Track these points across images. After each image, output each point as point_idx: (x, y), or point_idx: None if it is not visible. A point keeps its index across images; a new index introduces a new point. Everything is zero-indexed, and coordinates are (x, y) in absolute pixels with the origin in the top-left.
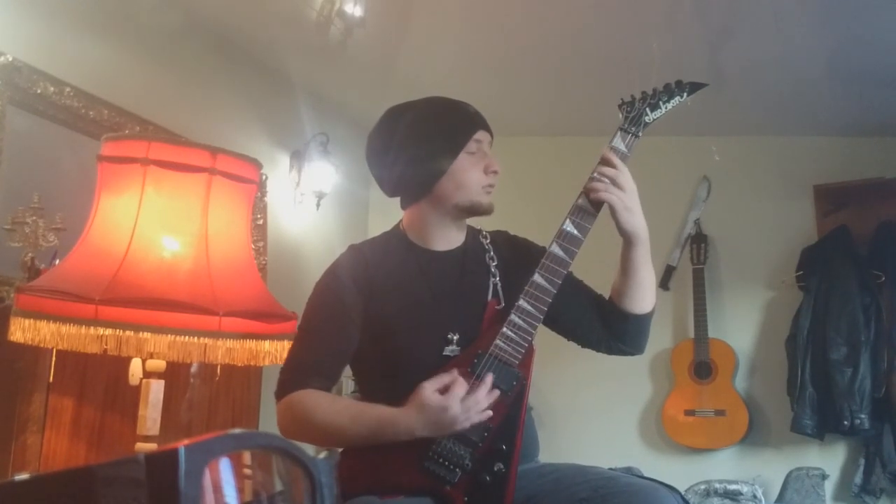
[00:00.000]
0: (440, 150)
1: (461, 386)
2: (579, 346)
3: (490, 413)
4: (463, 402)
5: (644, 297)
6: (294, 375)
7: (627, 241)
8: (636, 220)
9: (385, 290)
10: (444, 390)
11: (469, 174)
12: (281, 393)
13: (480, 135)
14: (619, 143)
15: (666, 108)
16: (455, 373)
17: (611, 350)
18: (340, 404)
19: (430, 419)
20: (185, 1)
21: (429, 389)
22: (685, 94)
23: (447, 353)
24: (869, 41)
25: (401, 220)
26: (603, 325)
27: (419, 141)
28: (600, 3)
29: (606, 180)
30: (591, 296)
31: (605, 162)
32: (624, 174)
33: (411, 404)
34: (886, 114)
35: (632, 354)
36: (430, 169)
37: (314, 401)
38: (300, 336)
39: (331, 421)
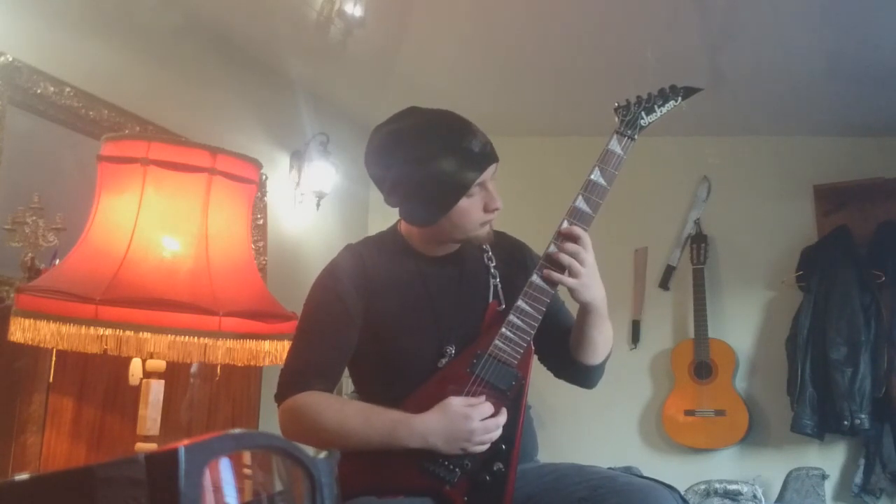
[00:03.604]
0: (439, 196)
1: (488, 407)
2: None
3: (490, 442)
4: (483, 420)
5: (595, 353)
6: (295, 377)
7: (583, 308)
8: (593, 293)
9: (383, 292)
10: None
11: (467, 217)
12: (282, 396)
13: (484, 174)
14: (615, 146)
15: (661, 111)
16: (483, 398)
17: (560, 378)
18: (350, 407)
19: (448, 425)
20: (185, 1)
21: (456, 398)
22: (679, 98)
23: (445, 357)
24: (869, 41)
25: (398, 222)
26: (559, 358)
27: (417, 184)
28: (600, 3)
29: (567, 256)
30: (564, 322)
31: (568, 236)
32: (585, 251)
33: (433, 409)
34: (886, 114)
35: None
36: (427, 212)
37: (320, 403)
38: (300, 337)
39: (340, 424)
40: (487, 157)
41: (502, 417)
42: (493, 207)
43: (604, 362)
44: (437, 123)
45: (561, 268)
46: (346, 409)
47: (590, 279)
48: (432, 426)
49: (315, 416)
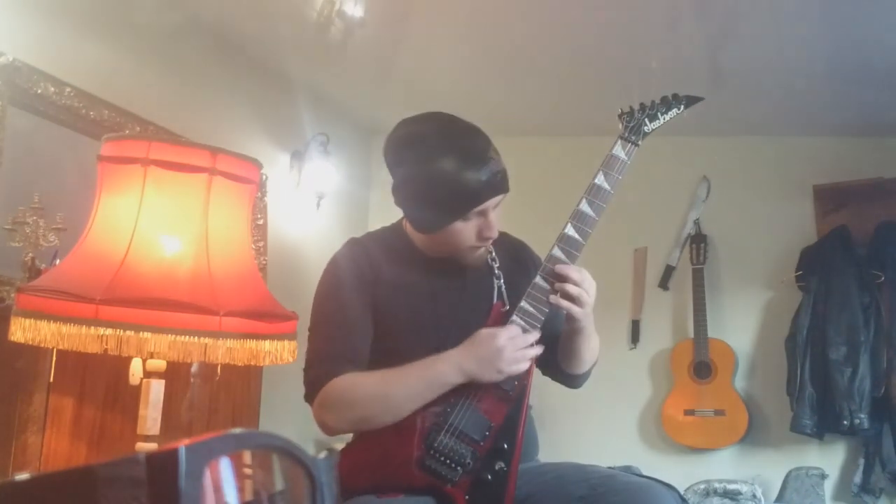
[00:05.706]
0: (436, 211)
1: (514, 328)
2: None
3: (528, 364)
4: (511, 338)
5: (581, 364)
6: (324, 367)
7: (575, 328)
8: (590, 318)
9: (387, 289)
10: None
11: (459, 238)
12: (313, 390)
13: (485, 204)
14: (619, 151)
15: (664, 119)
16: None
17: (546, 376)
18: (380, 373)
19: (477, 348)
20: (185, 1)
21: (483, 329)
22: (682, 107)
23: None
24: (868, 42)
25: (403, 219)
26: (547, 361)
27: (419, 192)
28: (600, 3)
29: (576, 288)
30: (557, 328)
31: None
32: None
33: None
34: (886, 114)
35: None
36: (424, 220)
37: (355, 379)
38: (317, 330)
39: (379, 387)
40: (494, 187)
41: (533, 336)
42: (486, 236)
43: (589, 370)
44: (457, 140)
45: (569, 297)
46: (377, 377)
47: (591, 308)
48: (463, 353)
49: (353, 393)
